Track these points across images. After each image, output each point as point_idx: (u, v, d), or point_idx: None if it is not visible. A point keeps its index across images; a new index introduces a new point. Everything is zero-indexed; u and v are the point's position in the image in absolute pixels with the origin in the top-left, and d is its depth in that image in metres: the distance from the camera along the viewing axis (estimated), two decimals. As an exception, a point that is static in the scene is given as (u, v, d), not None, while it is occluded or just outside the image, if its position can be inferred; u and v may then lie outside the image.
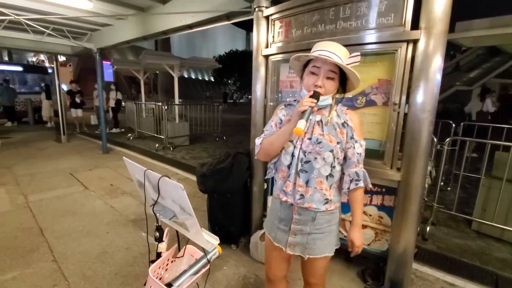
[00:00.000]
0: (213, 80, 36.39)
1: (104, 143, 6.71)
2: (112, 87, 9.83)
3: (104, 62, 7.19)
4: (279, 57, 2.39)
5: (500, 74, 15.85)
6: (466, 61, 18.76)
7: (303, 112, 1.13)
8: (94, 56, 6.18)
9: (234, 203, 2.65)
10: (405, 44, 1.76)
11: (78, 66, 23.92)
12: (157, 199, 1.33)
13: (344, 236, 2.32)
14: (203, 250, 1.34)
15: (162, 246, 1.41)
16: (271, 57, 2.43)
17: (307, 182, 1.23)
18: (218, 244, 1.33)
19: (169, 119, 7.69)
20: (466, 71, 17.70)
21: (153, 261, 1.37)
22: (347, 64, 1.17)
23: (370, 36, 1.88)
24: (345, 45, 1.97)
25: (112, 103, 9.76)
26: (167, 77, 10.25)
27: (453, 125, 4.75)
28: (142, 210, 3.48)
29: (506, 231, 2.92)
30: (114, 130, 9.69)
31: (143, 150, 7.12)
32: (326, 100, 1.20)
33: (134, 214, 3.41)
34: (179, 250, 1.48)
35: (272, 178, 1.42)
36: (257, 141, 1.34)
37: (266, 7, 2.39)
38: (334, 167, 1.24)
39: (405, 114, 1.83)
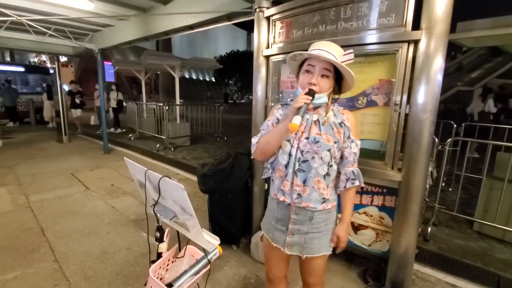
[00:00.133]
0: (214, 80, 36.41)
1: (105, 144, 6.72)
2: (113, 87, 9.84)
3: (105, 62, 7.21)
4: (280, 57, 2.39)
5: (502, 75, 15.80)
6: (468, 61, 18.72)
7: (299, 108, 1.14)
8: (96, 57, 6.20)
9: (234, 204, 2.65)
10: (406, 45, 1.76)
11: (80, 67, 24.03)
12: (158, 199, 1.33)
13: (345, 237, 2.32)
14: (203, 250, 1.34)
15: (163, 246, 1.41)
16: (272, 57, 2.43)
17: (304, 182, 1.24)
18: (219, 245, 1.33)
19: (170, 119, 7.70)
20: (467, 71, 17.66)
21: (153, 261, 1.37)
22: (341, 62, 1.18)
23: (371, 37, 1.88)
24: (346, 46, 1.98)
25: (113, 104, 9.77)
26: (168, 77, 10.26)
27: (454, 125, 4.73)
28: (143, 210, 3.48)
29: (508, 232, 2.91)
30: (112, 130, 9.70)
31: (144, 150, 7.14)
32: (321, 98, 1.21)
33: (135, 214, 3.42)
34: (180, 250, 1.48)
35: (268, 178, 1.43)
36: (254, 140, 1.34)
37: (267, 8, 2.39)
38: (331, 166, 1.26)
39: (406, 115, 1.83)
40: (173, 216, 1.34)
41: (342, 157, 1.29)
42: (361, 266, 2.42)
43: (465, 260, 2.62)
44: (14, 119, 11.06)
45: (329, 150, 1.22)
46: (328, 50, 1.17)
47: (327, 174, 1.25)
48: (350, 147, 1.27)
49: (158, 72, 11.57)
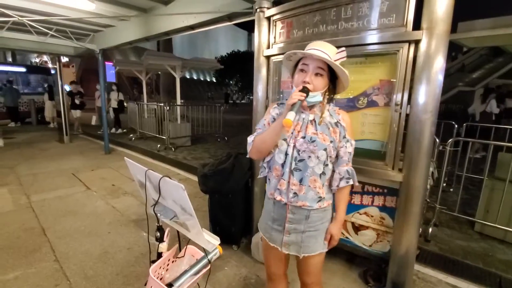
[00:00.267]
0: (215, 80, 36.44)
1: (106, 144, 6.73)
2: (113, 87, 9.84)
3: (106, 63, 7.21)
4: (280, 57, 2.39)
5: (503, 75, 15.77)
6: (469, 61, 18.70)
7: (293, 105, 1.14)
8: (97, 57, 6.21)
9: (235, 204, 2.65)
10: (406, 45, 1.76)
11: (81, 67, 24.07)
12: (158, 199, 1.33)
13: (346, 237, 2.32)
14: (204, 250, 1.34)
15: (163, 246, 1.41)
16: (272, 57, 2.43)
17: (301, 181, 1.25)
18: (219, 245, 1.33)
19: (171, 119, 7.71)
20: (469, 71, 17.64)
21: (154, 261, 1.37)
22: (334, 60, 1.19)
23: (372, 37, 1.88)
24: (347, 46, 1.98)
25: (114, 104, 9.77)
26: (169, 77, 10.28)
27: (456, 126, 4.72)
28: (143, 210, 3.48)
29: (509, 233, 2.90)
30: (113, 130, 9.69)
31: (145, 150, 7.14)
32: (315, 96, 1.22)
33: (136, 214, 3.42)
34: (180, 250, 1.47)
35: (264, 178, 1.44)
36: (249, 139, 1.35)
37: (268, 8, 2.39)
38: (327, 165, 1.27)
39: (407, 115, 1.83)
40: (173, 216, 1.34)
41: (337, 156, 1.30)
42: (362, 267, 2.42)
43: (466, 261, 2.61)
44: (16, 119, 11.10)
45: (325, 150, 1.23)
46: (322, 49, 1.19)
47: (323, 173, 1.27)
48: (346, 146, 1.29)
49: (159, 72, 11.58)
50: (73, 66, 23.69)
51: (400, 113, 1.85)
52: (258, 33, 2.46)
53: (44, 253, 2.59)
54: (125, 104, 10.59)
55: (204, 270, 1.31)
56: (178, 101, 8.18)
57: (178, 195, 1.19)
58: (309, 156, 1.23)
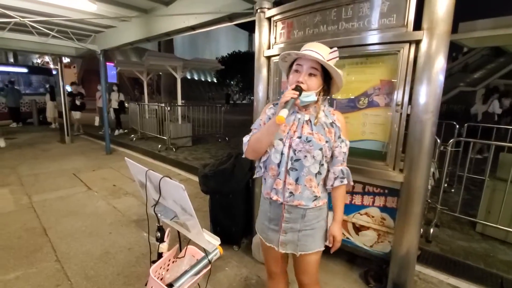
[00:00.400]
0: (215, 81, 36.46)
1: (107, 144, 6.75)
2: (114, 88, 9.84)
3: (107, 63, 7.24)
4: (281, 58, 2.39)
5: (505, 75, 15.73)
6: (470, 61, 18.65)
7: (286, 103, 1.16)
8: (98, 58, 6.23)
9: (236, 204, 2.65)
10: (407, 45, 1.76)
11: (82, 68, 24.17)
12: (159, 199, 1.33)
13: (347, 238, 2.32)
14: (204, 250, 1.34)
15: (163, 247, 1.41)
16: (273, 58, 2.43)
17: (296, 180, 1.27)
18: (220, 245, 1.33)
19: (172, 120, 7.71)
20: (470, 71, 17.60)
21: (154, 262, 1.37)
22: (328, 60, 1.21)
23: (373, 37, 1.87)
24: (348, 46, 1.99)
25: (114, 105, 9.78)
26: (170, 78, 10.29)
27: (457, 126, 4.71)
28: (144, 210, 3.49)
29: (511, 233, 2.88)
30: (116, 132, 9.69)
31: (146, 151, 7.15)
32: (309, 96, 1.23)
33: (137, 215, 3.43)
34: (180, 250, 1.47)
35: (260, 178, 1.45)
36: (245, 139, 1.37)
37: (268, 8, 2.39)
38: (322, 165, 1.29)
39: (408, 115, 1.82)
40: (173, 216, 1.34)
41: (332, 156, 1.33)
42: (362, 267, 2.42)
43: (467, 262, 2.60)
44: (17, 119, 11.13)
45: (320, 149, 1.25)
46: (315, 50, 1.22)
47: (319, 172, 1.29)
48: (340, 146, 1.31)
49: (160, 73, 11.59)
50: (74, 67, 23.78)
51: (401, 114, 1.85)
52: (259, 34, 2.46)
53: (45, 253, 2.59)
54: (126, 104, 10.60)
55: (205, 271, 1.31)
56: (179, 101, 8.19)
57: (179, 196, 1.20)
58: (305, 156, 1.25)
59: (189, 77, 37.32)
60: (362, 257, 2.37)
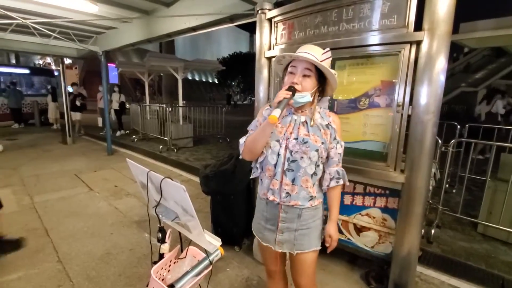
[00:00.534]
0: (217, 82, 36.50)
1: (108, 145, 6.76)
2: (115, 89, 9.87)
3: (109, 64, 7.27)
4: (282, 59, 2.39)
5: (506, 75, 15.69)
6: (472, 61, 18.60)
7: (279, 103, 1.18)
8: (99, 59, 6.25)
9: (237, 205, 2.65)
10: (408, 46, 1.76)
11: (84, 69, 24.24)
12: (160, 200, 1.33)
13: (348, 239, 2.32)
14: (205, 251, 1.34)
15: (165, 247, 1.42)
16: (274, 59, 2.44)
17: (293, 181, 1.29)
18: (221, 246, 1.33)
19: (173, 120, 7.73)
20: (471, 72, 17.56)
21: (155, 262, 1.37)
22: (321, 61, 1.23)
23: (373, 38, 1.88)
24: (348, 47, 1.99)
25: (115, 105, 9.79)
26: (171, 79, 10.29)
27: (458, 126, 4.70)
28: (145, 211, 3.47)
29: (513, 234, 2.88)
30: (118, 133, 9.71)
31: (147, 151, 7.17)
32: (304, 97, 1.25)
33: (138, 216, 3.43)
34: (182, 251, 1.48)
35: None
36: (241, 140, 1.38)
37: (269, 10, 2.39)
38: (318, 165, 1.32)
39: (409, 116, 1.82)
40: (175, 217, 1.34)
41: (327, 157, 1.35)
42: (364, 268, 2.41)
43: (469, 263, 2.59)
44: (19, 120, 11.17)
45: (317, 151, 1.27)
46: (309, 51, 1.24)
47: (315, 173, 1.31)
48: (336, 147, 1.34)
49: (161, 74, 11.62)
50: (76, 68, 23.86)
51: (401, 114, 1.85)
52: (260, 35, 2.46)
53: (47, 254, 2.60)
54: (127, 105, 10.61)
55: (206, 271, 1.31)
56: (180, 102, 8.20)
57: (180, 196, 1.20)
58: (302, 157, 1.27)
59: (190, 78, 37.39)
60: (363, 258, 2.37)
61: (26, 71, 13.09)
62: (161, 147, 7.21)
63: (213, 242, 1.32)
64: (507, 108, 7.18)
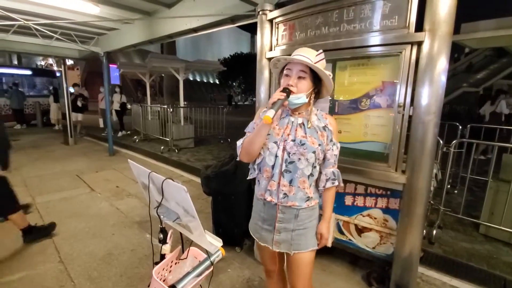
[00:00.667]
0: (218, 82, 36.55)
1: (110, 146, 6.78)
2: (116, 90, 9.87)
3: (110, 65, 7.29)
4: (283, 59, 2.39)
5: (507, 76, 15.63)
6: (473, 62, 18.55)
7: (273, 104, 1.20)
8: (101, 60, 6.27)
9: (238, 205, 2.66)
10: (409, 46, 1.76)
11: (85, 70, 24.29)
12: (161, 201, 1.34)
13: (349, 239, 2.32)
14: (206, 252, 1.34)
15: (166, 248, 1.42)
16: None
17: (290, 182, 1.31)
18: (222, 247, 1.33)
19: (174, 121, 7.74)
20: (473, 72, 17.52)
21: (157, 263, 1.38)
22: (315, 63, 1.25)
23: (374, 39, 1.88)
24: (349, 48, 1.99)
25: (116, 106, 9.81)
26: (173, 79, 10.33)
27: (460, 127, 4.69)
28: (147, 212, 3.48)
29: (515, 235, 2.87)
30: (119, 134, 9.73)
31: (148, 152, 7.18)
32: (300, 98, 1.27)
33: (139, 216, 3.44)
34: (183, 252, 1.48)
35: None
36: (238, 143, 1.41)
37: (270, 11, 2.40)
38: (315, 167, 1.34)
39: (410, 116, 1.82)
40: (176, 218, 1.35)
41: (324, 158, 1.37)
42: (365, 269, 2.41)
43: (470, 263, 2.58)
44: (21, 121, 11.21)
45: (314, 152, 1.29)
46: (303, 54, 1.27)
47: (311, 174, 1.33)
48: (332, 149, 1.36)
49: (163, 75, 11.65)
50: (77, 69, 23.90)
51: (403, 115, 1.85)
52: (261, 36, 2.47)
53: (49, 254, 2.61)
54: (128, 106, 10.63)
55: (207, 272, 1.31)
56: (182, 103, 8.22)
57: (181, 197, 1.20)
58: (299, 159, 1.29)
59: (191, 79, 37.46)
60: (364, 259, 2.36)
61: (28, 72, 13.14)
62: (162, 147, 7.22)
63: (214, 243, 1.32)
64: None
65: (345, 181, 2.24)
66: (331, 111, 2.25)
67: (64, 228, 3.09)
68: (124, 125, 10.06)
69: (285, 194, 1.32)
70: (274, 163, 1.32)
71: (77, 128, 9.63)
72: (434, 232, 2.95)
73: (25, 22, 4.08)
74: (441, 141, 3.23)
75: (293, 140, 1.30)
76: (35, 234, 2.82)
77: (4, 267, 2.41)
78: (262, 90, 2.52)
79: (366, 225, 2.22)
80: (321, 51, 1.28)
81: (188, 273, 1.28)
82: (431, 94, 1.71)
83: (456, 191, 4.32)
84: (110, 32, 5.63)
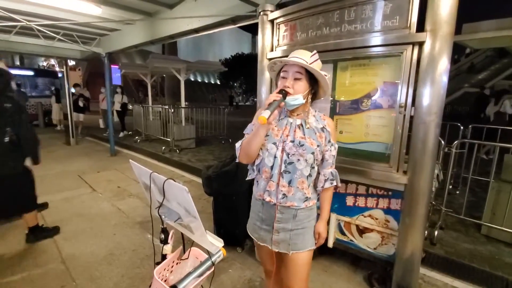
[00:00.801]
0: (219, 83, 36.61)
1: (112, 146, 6.79)
2: (117, 90, 9.90)
3: (112, 66, 7.32)
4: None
5: (509, 76, 15.56)
6: (475, 62, 18.50)
7: (269, 104, 1.21)
8: (103, 60, 6.29)
9: (239, 206, 2.66)
10: (410, 47, 1.76)
11: (87, 70, 24.36)
12: (163, 201, 1.34)
13: (351, 240, 2.31)
14: (207, 252, 1.34)
15: (167, 248, 1.42)
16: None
17: (289, 182, 1.33)
18: (223, 247, 1.33)
19: (176, 122, 7.76)
20: (475, 72, 17.47)
21: (158, 263, 1.38)
22: (310, 63, 1.26)
23: (376, 39, 1.88)
24: (351, 48, 1.99)
25: (117, 107, 9.83)
26: (174, 80, 10.35)
27: (461, 127, 4.68)
28: (148, 212, 3.49)
29: (517, 236, 2.86)
30: (121, 134, 9.75)
31: (150, 152, 7.19)
32: (297, 99, 1.28)
33: (141, 216, 3.45)
34: (184, 252, 1.48)
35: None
36: (237, 145, 1.44)
37: (271, 11, 2.40)
38: (313, 167, 1.36)
39: (411, 117, 1.82)
40: (177, 218, 1.35)
41: (322, 159, 1.39)
42: (366, 270, 2.41)
43: (472, 264, 2.58)
44: (23, 122, 11.23)
45: (312, 153, 1.31)
46: (299, 56, 1.29)
47: (310, 175, 1.35)
48: (330, 150, 1.38)
49: (164, 75, 11.68)
50: (79, 70, 23.98)
51: (404, 115, 1.84)
52: (262, 36, 2.47)
53: (50, 254, 2.62)
54: (129, 106, 10.65)
55: (208, 272, 1.31)
56: (183, 103, 8.23)
57: (182, 198, 1.21)
58: (298, 159, 1.31)
59: (192, 79, 37.52)
60: (366, 260, 2.36)
61: (31, 72, 13.18)
62: (163, 148, 7.23)
63: (216, 243, 1.32)
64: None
65: (347, 182, 2.24)
66: (332, 112, 2.25)
67: (65, 228, 3.10)
68: (125, 126, 10.08)
69: (284, 194, 1.33)
70: (273, 164, 1.33)
71: (79, 129, 9.65)
72: (436, 232, 2.94)
73: (28, 23, 4.09)
74: (442, 142, 3.23)
75: (292, 141, 1.31)
76: (39, 234, 2.85)
77: (6, 267, 2.41)
78: (263, 90, 2.53)
79: (368, 226, 2.22)
80: (315, 52, 1.29)
81: (189, 274, 1.28)
82: (432, 95, 1.71)
83: (457, 192, 4.31)
84: (111, 33, 5.65)
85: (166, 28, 4.31)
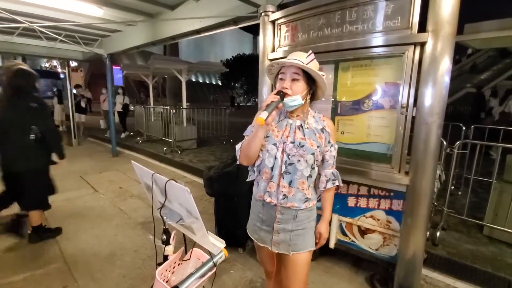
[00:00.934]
0: (220, 84, 36.65)
1: (113, 147, 6.81)
2: (119, 91, 9.92)
3: (114, 67, 7.31)
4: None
5: (510, 76, 15.51)
6: (477, 62, 18.44)
7: (267, 106, 1.22)
8: (104, 61, 6.31)
9: (240, 207, 2.65)
10: (412, 47, 1.76)
11: (89, 71, 24.46)
12: (164, 202, 1.34)
13: (352, 241, 2.31)
14: (209, 253, 1.35)
15: (169, 249, 1.42)
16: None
17: (290, 183, 1.33)
18: (225, 248, 1.33)
19: (177, 122, 7.77)
20: (477, 73, 17.42)
21: (160, 264, 1.38)
22: (306, 64, 1.26)
23: (377, 39, 1.88)
24: (352, 49, 1.99)
25: (118, 107, 9.84)
26: (175, 81, 10.36)
27: (463, 128, 4.67)
28: (150, 213, 3.51)
29: (519, 237, 2.84)
30: (123, 135, 9.76)
31: (151, 153, 7.21)
32: (295, 100, 1.29)
33: (143, 217, 3.45)
34: (186, 253, 1.48)
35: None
36: (237, 146, 1.44)
37: (272, 12, 2.41)
38: (313, 168, 1.36)
39: (413, 117, 1.82)
40: (179, 219, 1.35)
41: (323, 160, 1.40)
42: (368, 271, 2.40)
43: (475, 265, 2.57)
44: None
45: (313, 154, 1.31)
46: (295, 57, 1.30)
47: (310, 175, 1.36)
48: (330, 150, 1.39)
49: (165, 76, 11.70)
50: (81, 71, 24.08)
51: (406, 116, 1.84)
52: (263, 37, 2.48)
53: (52, 255, 2.63)
54: (131, 107, 10.67)
55: (210, 273, 1.31)
56: (184, 104, 8.25)
57: (184, 198, 1.21)
58: (299, 160, 1.31)
59: (194, 80, 37.57)
60: (367, 261, 2.35)
61: (33, 73, 13.23)
62: (165, 148, 7.24)
63: (217, 244, 1.32)
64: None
65: (348, 183, 2.24)
66: (334, 112, 2.25)
67: (68, 229, 3.10)
68: (127, 126, 10.10)
69: (284, 195, 1.33)
70: (274, 165, 1.33)
71: (81, 129, 9.68)
72: (438, 233, 2.93)
73: (30, 24, 4.11)
74: (444, 142, 3.22)
75: (292, 142, 1.31)
76: (42, 235, 2.86)
77: (8, 267, 2.42)
78: (264, 91, 2.53)
79: (369, 227, 2.22)
80: (310, 52, 1.30)
81: (191, 274, 1.28)
82: (434, 95, 1.70)
83: (460, 193, 4.30)
84: (113, 34, 5.67)
85: (167, 29, 4.32)
